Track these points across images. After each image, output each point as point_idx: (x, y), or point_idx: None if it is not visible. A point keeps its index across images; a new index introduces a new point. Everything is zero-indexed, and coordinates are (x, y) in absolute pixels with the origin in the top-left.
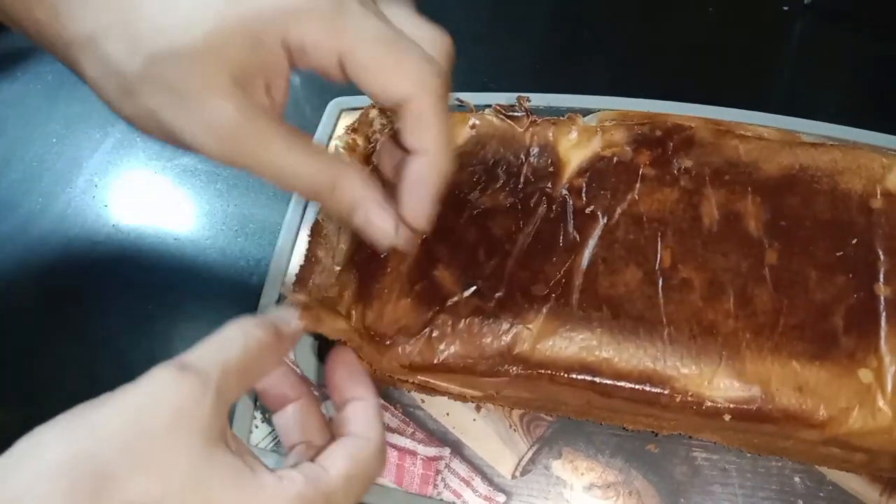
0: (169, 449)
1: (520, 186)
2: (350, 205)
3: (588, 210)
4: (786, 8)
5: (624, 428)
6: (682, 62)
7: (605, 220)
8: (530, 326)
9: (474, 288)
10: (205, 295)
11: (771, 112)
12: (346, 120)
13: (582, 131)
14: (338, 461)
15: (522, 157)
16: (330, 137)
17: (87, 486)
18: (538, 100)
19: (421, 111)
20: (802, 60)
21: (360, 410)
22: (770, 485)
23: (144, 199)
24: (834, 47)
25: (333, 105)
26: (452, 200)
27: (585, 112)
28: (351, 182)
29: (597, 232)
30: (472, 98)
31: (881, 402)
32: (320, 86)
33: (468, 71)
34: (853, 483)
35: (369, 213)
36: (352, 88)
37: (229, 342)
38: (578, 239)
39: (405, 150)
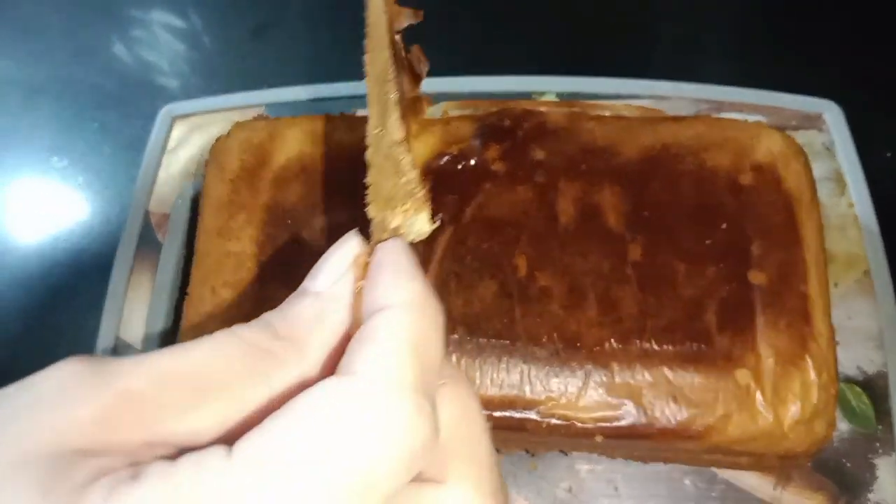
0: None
1: (355, 198)
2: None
3: (434, 219)
4: None
5: (498, 450)
6: (545, 33)
7: (453, 229)
8: None
9: None
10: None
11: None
12: (180, 129)
13: (423, 125)
14: None
15: (356, 162)
16: (163, 150)
17: None
18: None
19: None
20: (675, 23)
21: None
22: (660, 490)
23: None
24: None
25: (165, 113)
26: (284, 222)
27: (437, 98)
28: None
29: (445, 243)
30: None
31: (761, 404)
32: (150, 90)
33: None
34: (746, 479)
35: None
36: (183, 93)
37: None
38: (425, 253)
39: None
